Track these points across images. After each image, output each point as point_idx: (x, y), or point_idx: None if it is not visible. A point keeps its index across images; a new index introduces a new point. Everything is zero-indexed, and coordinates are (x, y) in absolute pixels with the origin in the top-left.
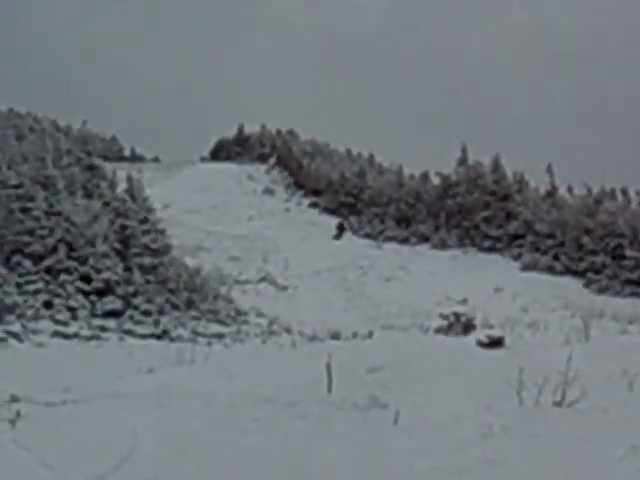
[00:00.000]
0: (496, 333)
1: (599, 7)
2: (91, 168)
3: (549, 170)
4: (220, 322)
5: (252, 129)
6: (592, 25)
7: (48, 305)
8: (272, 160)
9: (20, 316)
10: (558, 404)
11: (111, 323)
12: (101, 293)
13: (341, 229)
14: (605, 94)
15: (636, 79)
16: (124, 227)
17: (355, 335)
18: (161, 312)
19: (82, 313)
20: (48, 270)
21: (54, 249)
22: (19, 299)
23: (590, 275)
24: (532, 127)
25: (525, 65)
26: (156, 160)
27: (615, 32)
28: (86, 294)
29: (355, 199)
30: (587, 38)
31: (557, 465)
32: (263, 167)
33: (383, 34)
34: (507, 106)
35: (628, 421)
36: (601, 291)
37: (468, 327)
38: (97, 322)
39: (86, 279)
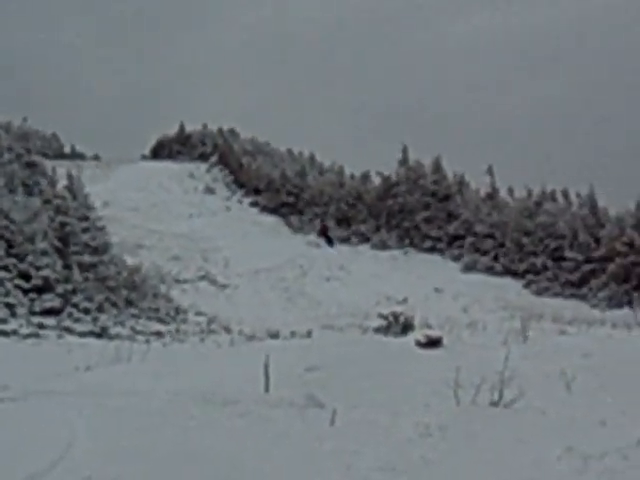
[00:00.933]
0: (434, 333)
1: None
2: (31, 165)
3: (490, 172)
4: (159, 320)
5: (194, 127)
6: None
7: None
8: (213, 159)
9: None
10: (495, 404)
11: (50, 321)
12: (40, 290)
13: (325, 231)
14: (555, 106)
15: (589, 94)
16: (64, 224)
17: (294, 334)
18: (100, 310)
19: (21, 310)
20: None
21: None
22: None
23: (530, 276)
24: (479, 132)
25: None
26: (96, 158)
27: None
28: (25, 291)
29: (296, 198)
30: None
31: (494, 465)
32: (204, 166)
33: (338, 33)
34: (460, 113)
35: (565, 422)
36: (540, 292)
37: (407, 327)
38: (36, 319)
39: (25, 276)
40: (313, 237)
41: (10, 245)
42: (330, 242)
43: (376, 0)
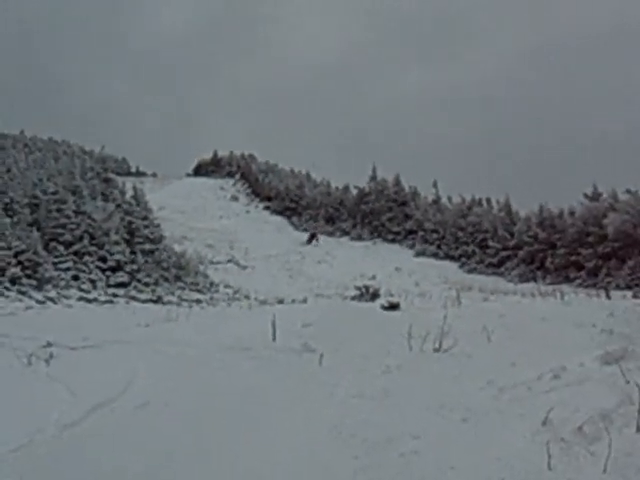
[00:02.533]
0: (394, 300)
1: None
2: (107, 180)
3: (435, 185)
4: (198, 291)
5: (223, 153)
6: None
7: (75, 278)
8: (237, 176)
9: (55, 286)
10: (437, 350)
11: (120, 291)
12: (114, 270)
13: (312, 237)
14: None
15: (495, 131)
16: (130, 223)
17: (294, 301)
18: (156, 284)
19: (100, 284)
20: (75, 253)
21: (80, 238)
22: (55, 274)
23: (463, 259)
24: (428, 153)
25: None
26: (154, 175)
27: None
28: (103, 270)
29: (296, 204)
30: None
31: (435, 392)
32: (231, 181)
33: (337, 71)
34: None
35: (486, 363)
36: (471, 271)
37: (375, 295)
38: (110, 290)
39: (103, 260)
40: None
41: (92, 237)
42: (309, 241)
43: (349, 54)
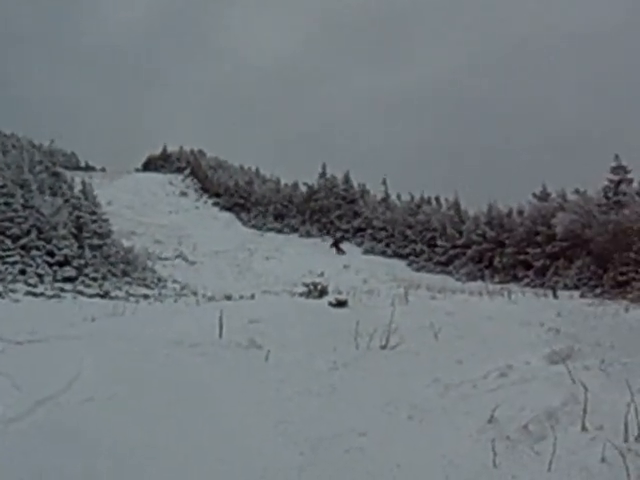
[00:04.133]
0: (342, 297)
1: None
2: (56, 174)
3: (384, 182)
4: (146, 286)
5: (173, 148)
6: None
7: (23, 272)
8: (186, 171)
9: (1, 280)
10: (383, 347)
11: (68, 286)
12: (61, 264)
13: (336, 245)
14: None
15: (445, 131)
16: (79, 217)
17: (242, 297)
18: (104, 278)
19: (47, 278)
20: (23, 247)
21: (28, 232)
22: (1, 268)
23: (411, 257)
24: (377, 151)
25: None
26: (103, 170)
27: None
28: (50, 265)
29: (245, 200)
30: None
31: (382, 390)
32: (180, 176)
33: (287, 71)
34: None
35: (433, 361)
36: (419, 269)
37: (323, 292)
38: (58, 285)
39: (50, 254)
40: (322, 242)
41: (40, 231)
42: (341, 251)
43: (300, 53)
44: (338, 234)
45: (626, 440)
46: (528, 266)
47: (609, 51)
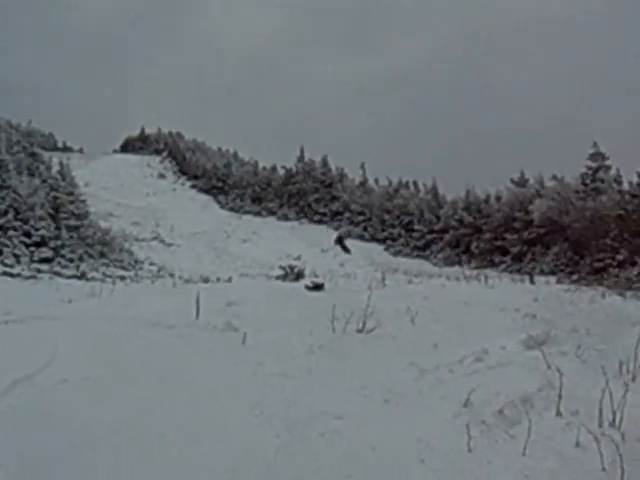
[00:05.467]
0: (319, 280)
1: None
2: (33, 155)
3: (362, 167)
4: (123, 268)
5: (151, 130)
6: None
7: None
8: (164, 153)
9: None
10: (360, 331)
11: (44, 267)
12: (38, 245)
13: (340, 241)
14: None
15: (419, 117)
16: (56, 198)
17: (219, 279)
18: (81, 259)
19: (24, 259)
20: (0, 228)
21: (5, 213)
22: None
23: (389, 242)
24: (359, 139)
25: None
26: (81, 151)
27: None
28: (27, 245)
29: (223, 183)
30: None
31: (358, 373)
32: (158, 158)
33: (263, 56)
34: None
35: (409, 344)
36: (396, 254)
37: (299, 275)
38: (34, 266)
39: (27, 235)
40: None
41: (17, 212)
42: (346, 250)
43: (278, 39)
44: (343, 228)
45: (600, 425)
46: (505, 252)
47: (588, 39)
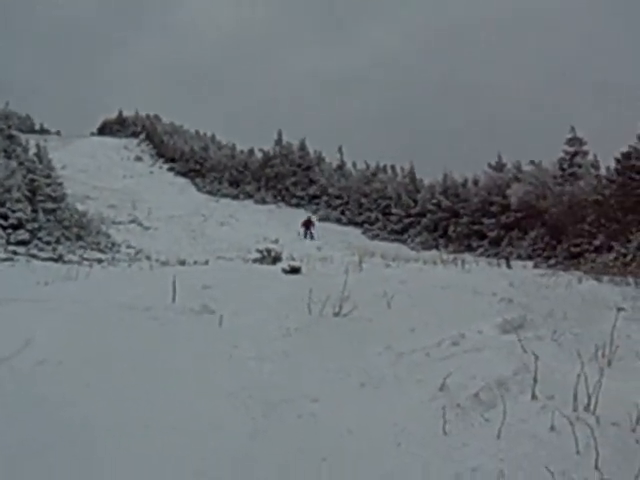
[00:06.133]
0: (296, 264)
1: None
2: (10, 137)
3: (340, 150)
4: (100, 251)
5: (128, 113)
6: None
7: None
8: (142, 136)
9: None
10: (336, 315)
11: (21, 249)
12: (14, 227)
13: (307, 226)
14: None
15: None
16: (33, 180)
17: (196, 262)
18: (58, 242)
19: (0, 242)
20: None
21: None
22: None
23: (366, 226)
24: (334, 126)
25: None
26: (58, 133)
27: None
28: (3, 228)
29: (200, 166)
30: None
31: (334, 356)
32: (135, 141)
33: (242, 43)
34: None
35: (386, 328)
36: (373, 237)
37: (276, 259)
38: (11, 248)
39: (4, 217)
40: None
41: None
42: (310, 236)
43: (249, 29)
44: (314, 214)
45: (575, 409)
46: (482, 236)
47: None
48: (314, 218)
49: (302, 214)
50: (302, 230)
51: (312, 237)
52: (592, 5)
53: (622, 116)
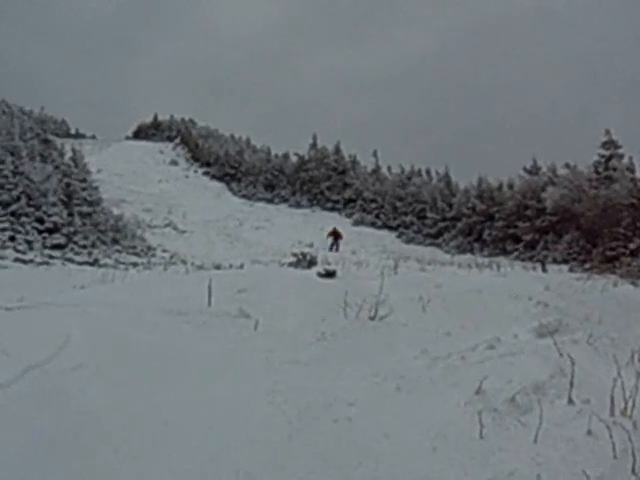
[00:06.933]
0: (331, 267)
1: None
2: (46, 141)
3: (375, 154)
4: (135, 254)
5: (163, 117)
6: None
7: (12, 239)
8: (177, 140)
9: None
10: (372, 318)
11: (57, 253)
12: (50, 231)
13: (335, 238)
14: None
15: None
16: (68, 184)
17: (231, 266)
18: (93, 246)
19: (36, 245)
20: (13, 214)
21: (18, 199)
22: None
23: (401, 229)
24: (367, 127)
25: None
26: (93, 137)
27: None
28: (40, 232)
29: (236, 170)
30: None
31: (370, 360)
32: (170, 145)
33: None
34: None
35: (421, 332)
36: (408, 241)
37: (312, 263)
38: (47, 252)
39: (40, 221)
40: (326, 236)
41: (30, 198)
42: (337, 248)
43: (279, 33)
44: (349, 217)
45: (612, 414)
46: (517, 240)
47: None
48: (340, 229)
49: (337, 218)
50: (330, 241)
51: (337, 249)
52: (622, 4)
53: None
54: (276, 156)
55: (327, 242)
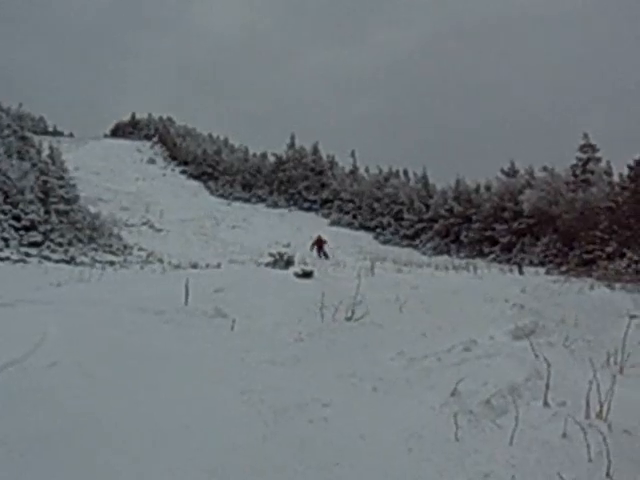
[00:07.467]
0: (308, 268)
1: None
2: (24, 138)
3: (352, 155)
4: (112, 253)
5: (141, 115)
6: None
7: None
8: (155, 139)
9: None
10: (349, 319)
11: (33, 251)
12: (27, 229)
13: (319, 245)
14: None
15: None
16: (46, 182)
17: (208, 266)
18: (70, 244)
19: (13, 243)
20: None
21: None
22: None
23: (378, 230)
24: (347, 129)
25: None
26: (71, 135)
27: None
28: (16, 229)
29: (213, 169)
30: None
31: (346, 361)
32: (148, 143)
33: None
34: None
35: (397, 333)
36: (385, 242)
37: (289, 263)
38: (23, 250)
39: (17, 218)
40: (309, 248)
41: (7, 195)
42: (325, 255)
43: (260, 34)
44: (325, 218)
45: (587, 416)
46: (494, 242)
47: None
48: (325, 236)
49: (314, 218)
50: (315, 251)
51: (327, 256)
52: (608, 9)
53: (636, 122)
54: (254, 155)
55: (313, 254)
